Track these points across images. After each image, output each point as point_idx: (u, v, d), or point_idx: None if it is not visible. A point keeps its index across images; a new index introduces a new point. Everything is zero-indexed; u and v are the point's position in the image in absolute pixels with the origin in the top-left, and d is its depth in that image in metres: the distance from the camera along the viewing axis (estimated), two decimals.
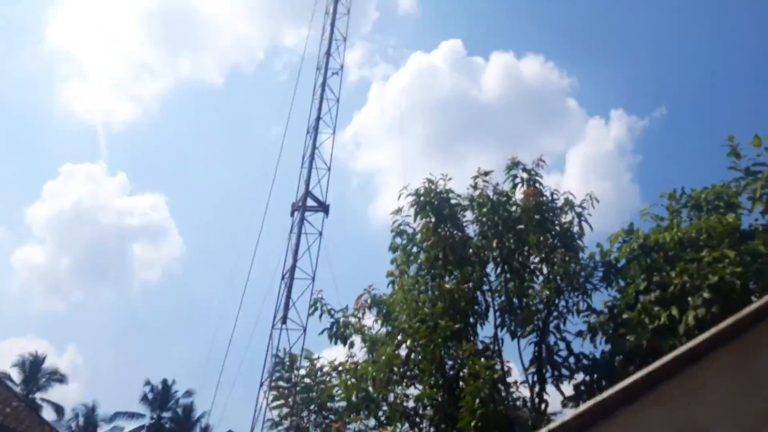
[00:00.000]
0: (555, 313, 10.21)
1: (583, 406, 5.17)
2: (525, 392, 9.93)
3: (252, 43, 58.88)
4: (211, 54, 57.83)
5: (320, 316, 10.96)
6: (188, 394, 38.29)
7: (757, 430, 4.79)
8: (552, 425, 5.21)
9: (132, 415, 36.94)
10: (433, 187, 10.90)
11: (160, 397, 38.28)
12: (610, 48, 55.40)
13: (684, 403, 4.93)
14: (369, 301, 10.81)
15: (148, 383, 38.14)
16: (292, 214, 26.55)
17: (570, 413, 6.07)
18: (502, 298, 10.38)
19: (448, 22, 60.86)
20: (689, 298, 9.07)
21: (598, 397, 5.02)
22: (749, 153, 9.94)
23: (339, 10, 22.67)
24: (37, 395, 35.15)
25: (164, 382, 38.68)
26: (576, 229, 10.38)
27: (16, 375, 35.06)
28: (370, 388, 9.77)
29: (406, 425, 9.85)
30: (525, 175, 10.66)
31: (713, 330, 5.00)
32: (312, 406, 10.66)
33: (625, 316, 9.68)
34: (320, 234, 25.86)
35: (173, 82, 58.31)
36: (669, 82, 51.95)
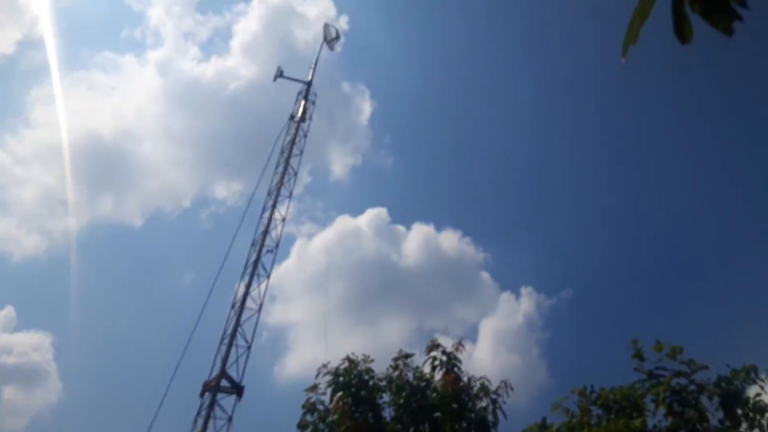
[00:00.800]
0: None
1: None
2: None
3: (180, 191, 60.16)
4: (135, 197, 58.13)
5: None
6: None
7: None
8: None
9: None
10: (353, 366, 10.84)
11: None
12: (521, 230, 61.95)
13: None
14: None
15: None
16: (201, 395, 24.70)
17: None
18: None
19: (375, 192, 66.71)
20: None
21: None
22: (651, 356, 10.69)
23: (282, 193, 23.89)
24: None
25: None
26: (491, 417, 10.34)
27: None
28: None
29: None
30: (444, 358, 10.83)
31: None
32: None
33: None
34: (230, 419, 23.93)
35: (87, 220, 57.35)
36: (574, 267, 57.72)
